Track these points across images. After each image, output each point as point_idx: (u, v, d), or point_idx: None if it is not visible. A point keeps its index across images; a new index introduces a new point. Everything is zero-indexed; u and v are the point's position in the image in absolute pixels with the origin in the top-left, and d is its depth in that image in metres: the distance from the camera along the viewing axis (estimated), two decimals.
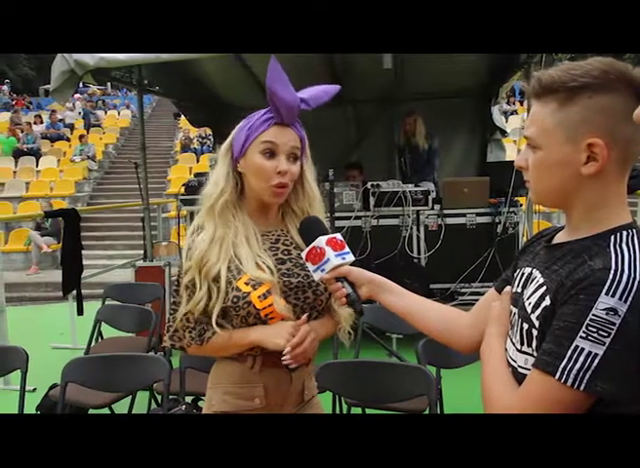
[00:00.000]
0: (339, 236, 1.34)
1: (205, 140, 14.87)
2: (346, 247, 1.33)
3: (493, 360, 1.09)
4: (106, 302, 4.01)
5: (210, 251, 1.45)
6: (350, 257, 1.32)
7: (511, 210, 4.86)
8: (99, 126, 17.61)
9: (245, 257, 1.45)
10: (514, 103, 16.29)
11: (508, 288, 1.16)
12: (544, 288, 1.00)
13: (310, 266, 1.34)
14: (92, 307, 4.37)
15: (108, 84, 23.82)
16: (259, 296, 1.42)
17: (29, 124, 15.65)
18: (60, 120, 17.07)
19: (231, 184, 1.50)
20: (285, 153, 1.45)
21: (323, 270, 1.31)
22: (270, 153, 1.45)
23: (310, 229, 1.38)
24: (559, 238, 1.08)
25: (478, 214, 4.93)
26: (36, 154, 14.25)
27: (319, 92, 1.47)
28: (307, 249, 1.34)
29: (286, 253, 1.53)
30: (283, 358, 1.41)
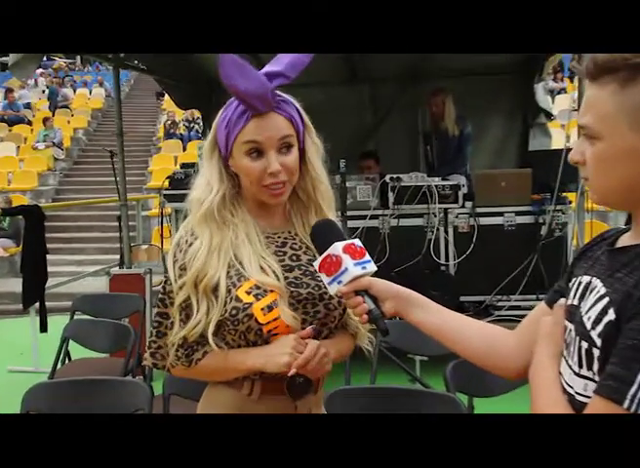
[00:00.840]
0: (357, 242, 1.35)
1: (193, 125, 14.94)
2: (367, 254, 1.34)
3: (545, 386, 1.09)
4: (75, 317, 4.03)
5: (208, 262, 1.45)
6: (372, 267, 1.33)
7: (558, 208, 4.86)
8: (66, 107, 17.71)
9: (247, 259, 1.46)
10: (562, 80, 16.22)
11: (562, 300, 1.16)
12: (607, 299, 1.00)
13: (324, 278, 1.34)
14: (58, 322, 4.40)
15: (77, 57, 23.96)
16: (262, 309, 1.42)
17: None
18: (20, 98, 17.14)
19: (227, 182, 1.52)
20: (274, 148, 1.46)
21: (340, 282, 1.31)
22: (257, 152, 1.46)
23: (324, 234, 1.39)
24: (624, 241, 1.08)
25: (518, 214, 4.93)
26: None
27: (295, 56, 1.46)
28: (321, 257, 1.34)
29: (294, 258, 1.54)
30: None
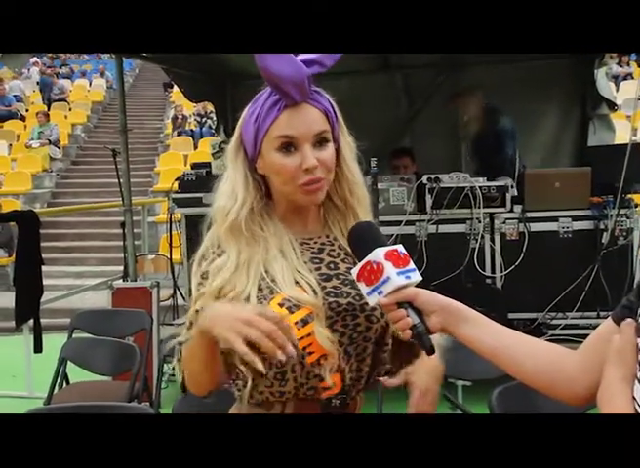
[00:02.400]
0: (401, 248, 1.35)
1: (205, 120, 15.04)
2: (411, 262, 1.34)
3: (616, 413, 1.09)
4: (74, 335, 4.08)
5: (235, 277, 1.47)
6: (417, 276, 1.33)
7: (622, 212, 4.82)
8: (63, 100, 17.92)
9: (280, 274, 1.47)
10: (628, 64, 16.02)
11: (630, 319, 1.16)
12: None
13: (363, 287, 1.35)
14: (54, 342, 4.45)
15: None
16: (296, 322, 1.43)
17: None
18: (10, 91, 17.32)
19: (253, 191, 1.53)
20: (309, 142, 1.48)
21: (381, 293, 1.32)
22: (290, 147, 1.47)
23: (363, 238, 1.39)
24: None
25: (575, 219, 4.90)
26: None
27: None
28: (360, 264, 1.35)
29: (332, 266, 1.55)
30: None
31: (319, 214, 1.61)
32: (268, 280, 1.47)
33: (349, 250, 1.53)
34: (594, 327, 1.31)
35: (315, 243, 1.57)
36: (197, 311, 1.48)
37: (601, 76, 6.51)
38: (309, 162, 1.46)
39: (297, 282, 1.46)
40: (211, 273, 1.49)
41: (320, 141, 1.49)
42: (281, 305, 1.44)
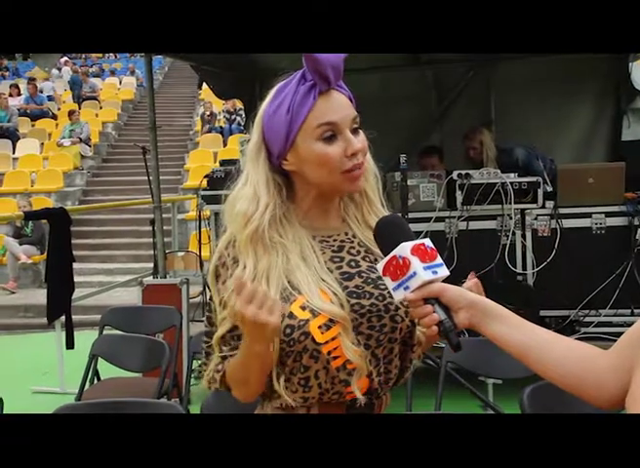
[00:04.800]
0: (428, 242, 1.34)
1: (234, 117, 15.09)
2: (438, 257, 1.33)
3: None
4: (105, 332, 4.12)
5: None
6: (444, 271, 1.32)
7: None
8: (94, 98, 18.08)
9: (306, 284, 1.43)
10: None
11: None
12: None
13: (389, 282, 1.33)
14: (86, 338, 4.51)
15: None
16: (319, 326, 1.40)
17: (4, 96, 15.91)
18: (42, 91, 17.52)
19: (275, 194, 1.50)
20: (348, 127, 1.46)
21: (407, 288, 1.30)
22: (332, 135, 1.45)
23: (389, 232, 1.38)
24: None
25: (608, 215, 4.85)
26: (12, 136, 14.72)
27: None
28: (386, 259, 1.33)
29: (353, 264, 1.52)
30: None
31: (340, 207, 1.59)
32: (291, 290, 1.43)
33: (369, 246, 1.53)
34: (628, 324, 1.30)
35: (335, 240, 1.55)
36: (227, 333, 1.47)
37: (636, 69, 6.43)
38: (355, 146, 1.44)
39: (322, 291, 1.43)
40: (228, 291, 1.44)
41: (356, 127, 1.48)
42: (303, 308, 1.41)
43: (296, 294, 1.42)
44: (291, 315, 1.41)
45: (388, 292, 1.41)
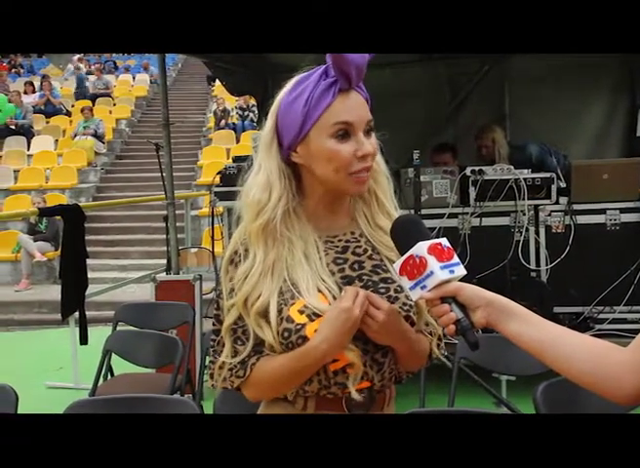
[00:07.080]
0: (444, 241, 1.34)
1: (247, 113, 15.11)
2: (455, 256, 1.34)
3: None
4: (118, 327, 4.13)
5: (260, 284, 1.46)
6: (461, 270, 1.33)
7: None
8: (108, 95, 18.13)
9: (304, 282, 1.44)
10: None
11: None
12: None
13: (406, 282, 1.34)
14: (99, 334, 4.53)
15: None
16: (316, 330, 1.41)
17: (18, 93, 15.97)
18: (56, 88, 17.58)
19: (287, 186, 1.50)
20: (362, 129, 1.46)
21: (424, 287, 1.31)
22: (346, 134, 1.45)
23: (406, 232, 1.38)
24: None
25: (624, 211, 4.83)
26: (27, 133, 14.78)
27: None
28: (403, 258, 1.34)
29: (356, 266, 1.52)
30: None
31: (348, 207, 1.59)
32: (289, 284, 1.44)
33: (375, 245, 1.53)
34: None
35: (340, 241, 1.55)
36: (233, 323, 1.50)
37: None
38: (366, 148, 1.45)
39: (320, 291, 1.44)
40: (237, 279, 1.48)
41: (368, 130, 1.48)
42: (301, 312, 1.42)
43: (293, 291, 1.44)
44: (289, 318, 1.42)
45: (388, 296, 1.44)
